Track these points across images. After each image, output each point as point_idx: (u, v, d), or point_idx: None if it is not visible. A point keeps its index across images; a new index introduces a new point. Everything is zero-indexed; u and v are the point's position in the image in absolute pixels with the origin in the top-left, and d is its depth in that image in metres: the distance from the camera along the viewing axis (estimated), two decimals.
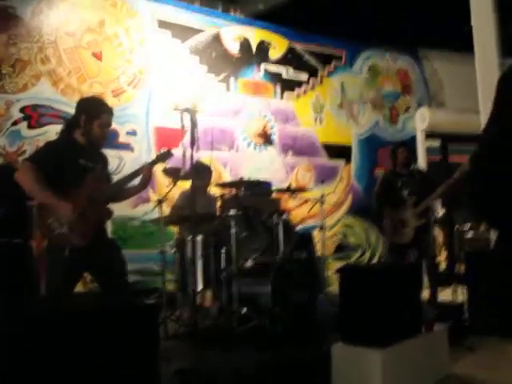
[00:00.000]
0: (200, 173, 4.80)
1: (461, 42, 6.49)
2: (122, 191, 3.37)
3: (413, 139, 8.02)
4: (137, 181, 3.38)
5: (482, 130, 1.53)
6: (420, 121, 8.09)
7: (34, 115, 5.47)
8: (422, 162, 7.75)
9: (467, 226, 6.32)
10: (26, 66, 5.49)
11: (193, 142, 3.17)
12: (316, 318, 4.46)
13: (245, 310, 3.92)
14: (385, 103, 8.12)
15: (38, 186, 2.95)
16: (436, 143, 8.28)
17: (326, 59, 7.71)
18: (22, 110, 5.42)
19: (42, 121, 5.50)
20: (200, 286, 4.15)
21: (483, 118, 5.49)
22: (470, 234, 6.28)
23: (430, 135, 8.11)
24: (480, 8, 5.26)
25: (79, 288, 3.40)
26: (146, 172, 3.32)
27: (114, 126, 5.53)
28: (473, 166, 1.50)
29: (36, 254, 4.23)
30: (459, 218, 7.34)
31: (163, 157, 3.44)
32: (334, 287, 5.28)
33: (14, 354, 1.67)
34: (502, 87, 1.46)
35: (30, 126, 5.43)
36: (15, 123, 5.35)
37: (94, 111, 3.19)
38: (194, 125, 3.19)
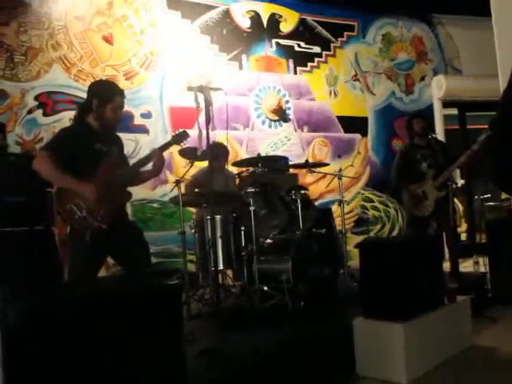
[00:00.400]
0: (216, 154, 4.79)
1: (475, 6, 6.33)
2: (136, 175, 3.37)
3: (430, 108, 7.90)
4: (151, 165, 3.38)
5: (501, 96, 1.50)
6: (436, 89, 7.94)
7: (49, 102, 5.50)
8: (439, 131, 7.63)
9: (487, 195, 6.25)
10: (38, 54, 5.50)
11: (208, 121, 3.14)
12: (337, 293, 4.48)
13: (265, 287, 3.95)
14: (400, 72, 7.98)
15: (57, 172, 2.97)
16: (453, 111, 8.15)
17: (338, 30, 7.57)
18: (37, 97, 5.45)
19: (57, 107, 5.52)
20: (221, 265, 4.18)
21: (502, 83, 5.37)
22: (490, 204, 6.22)
23: (447, 103, 7.98)
24: None
25: (102, 273, 3.44)
26: (157, 157, 3.30)
27: (128, 108, 5.63)
28: (492, 131, 1.48)
29: (58, 240, 4.29)
30: (478, 188, 7.26)
31: (178, 138, 3.43)
32: (354, 262, 5.27)
33: (38, 338, 1.70)
34: None
35: (45, 114, 5.46)
36: (30, 111, 5.39)
37: (106, 94, 3.18)
38: (208, 103, 3.16)
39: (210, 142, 3.18)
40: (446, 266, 4.71)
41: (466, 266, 5.64)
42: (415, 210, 5.23)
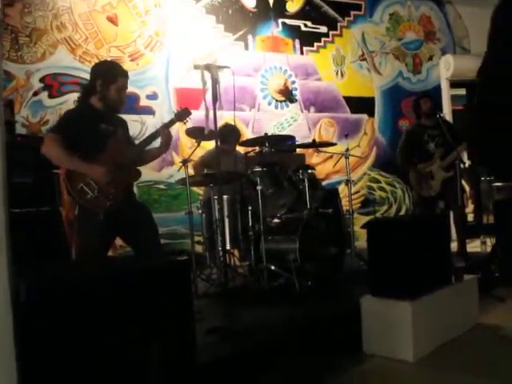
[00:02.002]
0: (227, 136, 4.77)
1: None
2: (143, 154, 3.37)
3: (437, 88, 7.83)
4: (157, 143, 3.38)
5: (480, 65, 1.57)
6: (444, 69, 7.86)
7: (55, 84, 5.49)
8: (447, 111, 7.57)
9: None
10: (43, 35, 5.47)
11: (215, 100, 3.11)
12: (344, 273, 4.49)
13: (273, 267, 3.96)
14: (407, 52, 7.89)
15: (66, 155, 2.97)
16: (461, 91, 8.06)
17: (345, 10, 7.48)
18: (42, 79, 5.44)
19: (63, 89, 5.51)
20: (228, 245, 4.19)
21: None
22: (497, 184, 6.18)
23: (454, 83, 7.89)
24: None
25: (109, 254, 3.46)
26: (164, 133, 3.31)
27: (134, 90, 5.60)
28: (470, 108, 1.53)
29: (65, 222, 4.30)
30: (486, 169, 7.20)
31: (181, 115, 3.42)
32: (360, 242, 5.28)
33: (48, 315, 1.71)
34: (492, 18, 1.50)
35: (51, 96, 5.45)
36: (36, 93, 5.38)
37: (109, 75, 3.17)
38: (215, 81, 3.12)
39: (218, 122, 3.15)
40: (454, 246, 4.70)
41: (473, 247, 5.63)
42: (421, 190, 5.22)
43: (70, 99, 5.30)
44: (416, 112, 5.45)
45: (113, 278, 1.90)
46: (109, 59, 5.55)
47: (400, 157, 5.45)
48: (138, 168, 3.29)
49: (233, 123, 4.79)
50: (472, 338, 3.38)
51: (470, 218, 7.73)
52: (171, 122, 3.37)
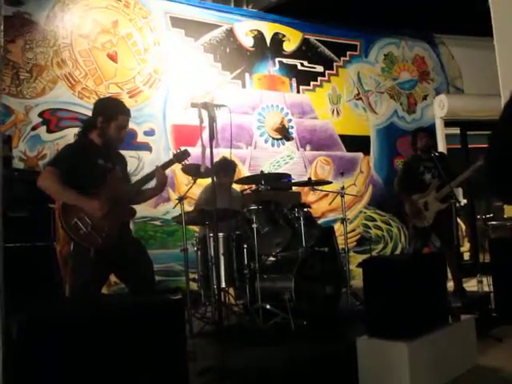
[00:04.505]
0: (225, 169, 4.80)
1: (477, 27, 6.37)
2: (139, 193, 3.37)
3: (432, 127, 7.92)
4: (153, 183, 3.38)
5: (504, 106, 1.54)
6: (438, 108, 7.98)
7: (53, 119, 5.52)
8: (441, 150, 7.65)
9: (490, 215, 6.25)
10: (43, 71, 5.54)
11: (212, 137, 3.13)
12: (340, 312, 4.45)
13: (268, 306, 3.92)
14: (402, 92, 8.02)
15: (63, 188, 2.96)
16: (455, 130, 8.17)
17: (341, 50, 7.64)
18: (41, 114, 5.47)
19: (61, 124, 5.54)
20: (223, 283, 4.16)
21: (504, 103, 5.37)
22: (493, 223, 6.20)
23: (448, 122, 8.01)
24: None
25: (104, 290, 3.42)
26: (159, 175, 3.31)
27: (131, 126, 5.63)
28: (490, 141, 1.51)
29: (60, 257, 4.27)
30: (481, 207, 7.25)
31: (180, 157, 3.44)
32: (356, 281, 5.25)
33: (43, 355, 1.68)
34: None
35: (49, 130, 5.48)
36: (34, 128, 5.40)
37: (111, 112, 3.19)
38: (212, 119, 3.15)
39: (214, 159, 3.17)
40: (450, 285, 4.68)
41: (470, 286, 5.60)
42: (416, 220, 5.26)
43: (68, 134, 5.36)
44: (413, 146, 5.55)
45: (105, 315, 1.88)
46: (108, 95, 5.62)
47: (396, 186, 5.52)
48: (133, 207, 3.28)
49: (230, 158, 4.83)
50: (470, 380, 3.32)
51: (467, 256, 7.72)
52: (170, 163, 3.38)
